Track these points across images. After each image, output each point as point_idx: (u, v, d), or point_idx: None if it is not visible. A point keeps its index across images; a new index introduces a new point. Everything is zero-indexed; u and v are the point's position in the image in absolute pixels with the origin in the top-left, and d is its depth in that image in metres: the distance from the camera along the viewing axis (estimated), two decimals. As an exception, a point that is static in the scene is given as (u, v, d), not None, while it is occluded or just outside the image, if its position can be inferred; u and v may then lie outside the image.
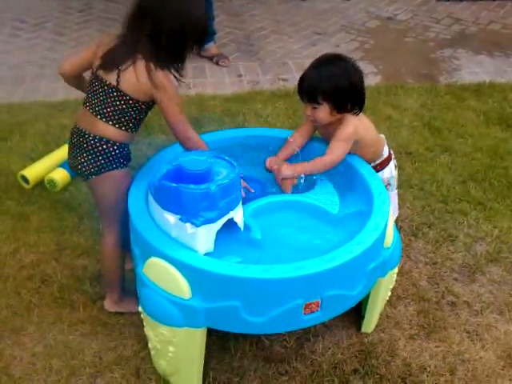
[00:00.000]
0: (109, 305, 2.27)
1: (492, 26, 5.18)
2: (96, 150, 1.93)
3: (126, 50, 1.87)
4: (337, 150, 2.11)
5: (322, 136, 2.28)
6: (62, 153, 3.08)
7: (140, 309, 1.93)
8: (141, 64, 1.86)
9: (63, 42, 4.57)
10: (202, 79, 4.09)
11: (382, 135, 2.36)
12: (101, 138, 1.93)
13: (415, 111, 3.73)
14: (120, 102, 1.90)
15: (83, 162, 1.96)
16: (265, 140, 2.31)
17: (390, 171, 2.34)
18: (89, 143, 1.94)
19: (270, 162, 2.22)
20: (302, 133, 2.28)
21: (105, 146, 1.93)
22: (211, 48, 4.34)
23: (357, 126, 2.13)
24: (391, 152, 2.37)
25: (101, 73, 1.91)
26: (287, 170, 2.12)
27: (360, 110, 2.14)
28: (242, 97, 3.84)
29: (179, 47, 1.91)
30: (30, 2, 5.33)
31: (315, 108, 2.10)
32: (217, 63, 4.28)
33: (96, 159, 1.94)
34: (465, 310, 2.36)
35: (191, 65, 4.24)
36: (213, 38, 4.34)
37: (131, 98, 1.90)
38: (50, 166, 2.98)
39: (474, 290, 2.45)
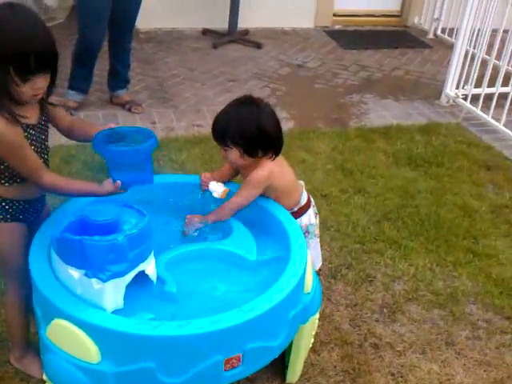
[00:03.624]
0: (12, 359, 2.12)
1: (395, 72, 5.44)
2: None
3: None
4: (244, 194, 2.09)
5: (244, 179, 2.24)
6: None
7: (44, 376, 1.75)
8: None
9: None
10: (113, 126, 3.97)
11: (302, 182, 2.33)
12: None
13: (328, 154, 3.79)
14: None
15: None
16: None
17: (309, 218, 2.29)
18: None
19: (205, 176, 2.21)
20: (220, 174, 2.26)
21: None
22: (123, 95, 4.24)
23: (272, 171, 2.09)
24: (311, 199, 2.34)
25: None
26: (194, 220, 2.08)
27: (275, 155, 2.10)
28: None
29: None
30: None
31: (226, 150, 2.07)
32: (129, 110, 4.17)
33: None
34: (388, 351, 2.34)
35: (102, 112, 4.13)
36: (125, 85, 4.26)
37: None
38: None
39: (396, 331, 2.44)
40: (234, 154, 2.06)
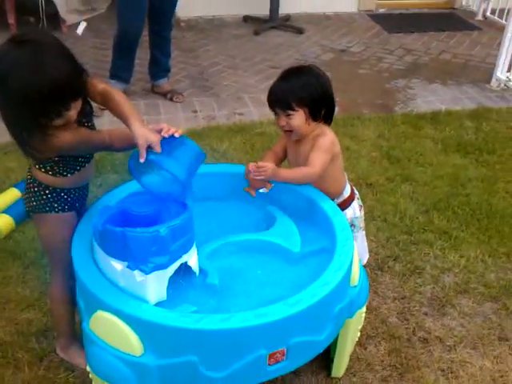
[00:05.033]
0: (58, 349, 2.14)
1: (443, 55, 5.26)
2: (29, 190, 1.86)
3: None
4: (317, 162, 2.02)
5: (290, 164, 2.19)
6: (6, 197, 2.89)
7: (88, 368, 1.75)
8: None
9: None
10: (155, 116, 3.97)
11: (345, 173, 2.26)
12: (34, 180, 1.83)
13: (373, 141, 3.69)
14: None
15: (24, 199, 1.90)
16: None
17: (353, 211, 2.22)
18: (27, 182, 1.87)
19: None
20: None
21: (36, 189, 1.83)
22: (164, 85, 4.24)
23: (335, 138, 2.08)
24: (355, 192, 2.27)
25: None
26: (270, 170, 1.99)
27: (331, 119, 2.10)
28: (198, 132, 3.72)
29: (24, 117, 1.56)
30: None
31: (290, 116, 2.01)
32: (170, 99, 4.17)
33: (29, 200, 1.86)
34: (437, 346, 2.25)
35: (143, 101, 4.13)
36: (166, 74, 4.25)
37: None
38: (-8, 212, 2.78)
39: (446, 324, 2.35)
40: (299, 118, 2.01)
